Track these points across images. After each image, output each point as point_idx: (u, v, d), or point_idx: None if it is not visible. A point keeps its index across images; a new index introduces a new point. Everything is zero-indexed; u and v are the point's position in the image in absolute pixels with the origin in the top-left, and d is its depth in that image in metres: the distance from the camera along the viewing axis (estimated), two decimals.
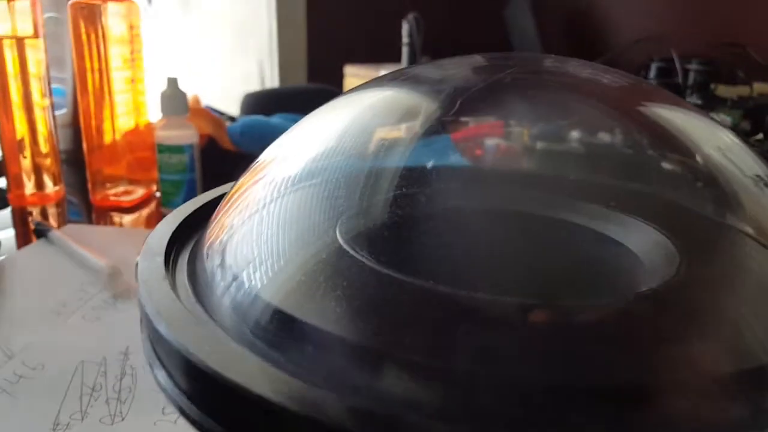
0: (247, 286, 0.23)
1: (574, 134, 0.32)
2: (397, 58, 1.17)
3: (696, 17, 1.42)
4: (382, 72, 1.27)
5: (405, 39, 1.08)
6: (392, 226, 0.27)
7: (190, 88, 0.75)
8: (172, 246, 0.27)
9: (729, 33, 1.29)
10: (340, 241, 0.25)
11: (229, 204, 0.27)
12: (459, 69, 0.34)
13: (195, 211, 0.30)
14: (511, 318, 0.20)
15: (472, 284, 0.22)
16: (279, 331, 0.21)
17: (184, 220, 0.29)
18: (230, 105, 1.18)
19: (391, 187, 0.29)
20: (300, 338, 0.20)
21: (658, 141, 0.30)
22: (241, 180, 0.28)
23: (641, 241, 0.27)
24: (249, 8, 1.66)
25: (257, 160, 0.29)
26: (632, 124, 0.31)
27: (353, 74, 1.31)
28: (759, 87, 1.02)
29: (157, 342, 0.20)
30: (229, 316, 0.22)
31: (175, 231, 0.27)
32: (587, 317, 0.21)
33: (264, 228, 0.26)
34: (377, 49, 1.41)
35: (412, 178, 0.31)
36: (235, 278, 0.24)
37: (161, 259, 0.24)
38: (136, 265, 0.24)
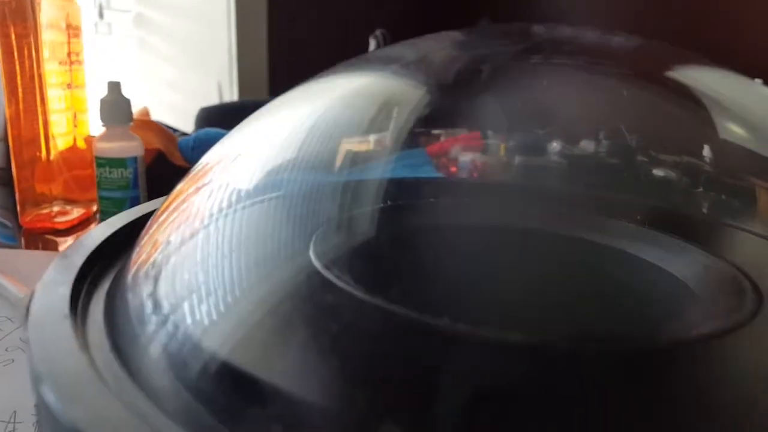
0: (187, 328, 0.17)
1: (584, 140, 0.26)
2: None
3: (658, 36, 1.42)
4: None
5: None
6: (381, 246, 0.21)
7: (143, 104, 0.68)
8: (87, 272, 0.20)
9: (692, 50, 1.28)
10: (317, 264, 0.18)
11: (163, 218, 0.21)
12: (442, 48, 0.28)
13: (126, 226, 0.24)
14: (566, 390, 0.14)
15: (496, 323, 0.16)
16: (234, 397, 0.15)
17: (109, 237, 0.22)
18: (186, 123, 1.11)
19: (375, 200, 0.23)
20: (262, 406, 0.14)
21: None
22: (179, 187, 0.22)
23: (691, 266, 0.22)
24: (207, 24, 1.59)
25: (200, 162, 0.23)
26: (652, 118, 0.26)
27: None
28: None
29: (45, 414, 0.14)
30: (160, 372, 0.16)
31: (93, 255, 0.21)
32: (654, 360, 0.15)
33: (212, 248, 0.20)
34: None
35: (399, 189, 0.25)
36: (170, 318, 0.17)
37: (66, 290, 0.17)
38: (30, 298, 0.17)
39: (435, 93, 0.26)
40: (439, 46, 0.26)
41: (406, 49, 0.26)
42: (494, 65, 0.24)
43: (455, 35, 0.25)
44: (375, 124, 0.25)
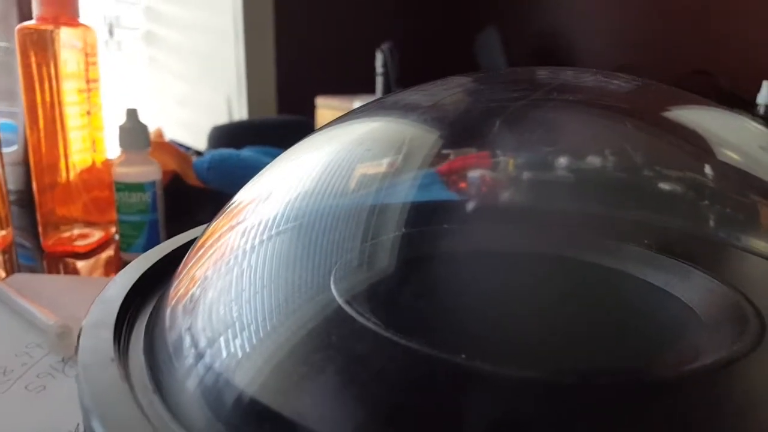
0: (221, 364, 0.18)
1: (596, 161, 0.27)
2: (370, 89, 1.13)
3: (666, 46, 1.42)
4: (356, 103, 1.23)
5: (379, 69, 1.05)
6: (401, 279, 0.22)
7: (154, 122, 0.70)
8: (126, 310, 0.21)
9: (698, 62, 1.29)
10: (338, 299, 0.19)
11: (198, 256, 0.22)
12: (455, 93, 0.29)
13: (157, 262, 0.25)
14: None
15: (509, 357, 0.17)
16: None
17: (142, 275, 0.24)
18: (197, 140, 1.13)
19: (394, 228, 0.24)
20: None
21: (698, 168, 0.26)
22: (213, 225, 0.23)
23: (698, 291, 0.23)
24: (216, 40, 1.61)
25: (232, 201, 0.24)
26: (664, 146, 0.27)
27: (325, 105, 1.27)
28: None
29: None
30: (197, 408, 0.17)
31: (130, 291, 0.22)
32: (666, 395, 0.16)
33: (243, 286, 0.21)
34: (350, 80, 1.37)
35: (417, 216, 0.26)
36: (205, 353, 0.18)
37: (109, 334, 0.18)
38: (78, 338, 0.18)
39: (447, 127, 0.27)
40: (450, 91, 0.27)
41: (417, 94, 0.27)
42: (503, 103, 0.25)
43: (464, 80, 0.26)
44: (391, 157, 0.26)
